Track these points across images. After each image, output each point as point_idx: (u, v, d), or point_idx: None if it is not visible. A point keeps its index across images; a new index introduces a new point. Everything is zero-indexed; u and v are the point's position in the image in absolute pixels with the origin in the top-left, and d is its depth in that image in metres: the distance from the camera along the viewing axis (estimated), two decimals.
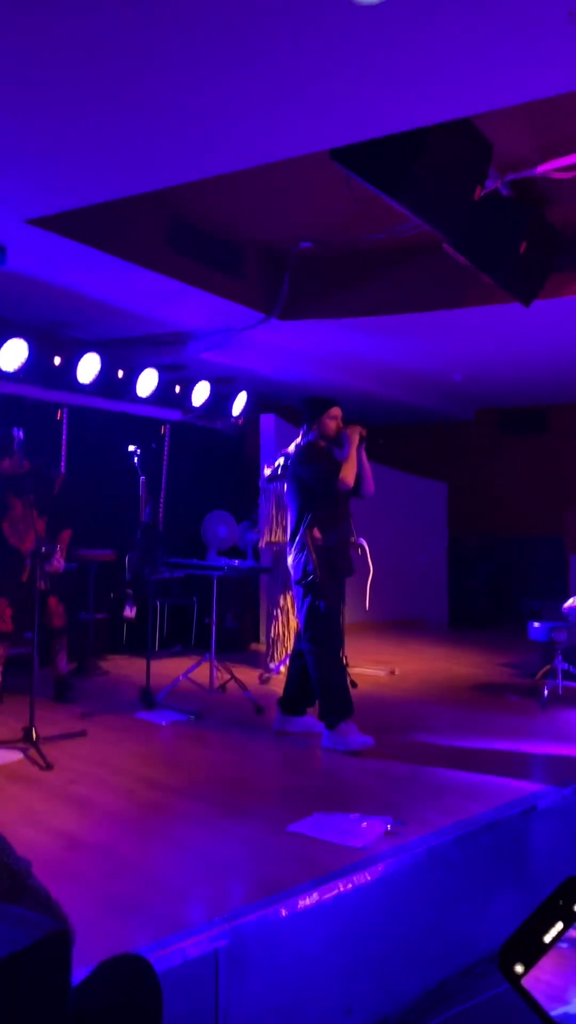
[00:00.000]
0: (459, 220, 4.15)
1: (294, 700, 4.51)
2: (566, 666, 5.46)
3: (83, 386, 6.36)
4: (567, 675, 5.51)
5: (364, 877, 2.68)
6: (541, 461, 10.04)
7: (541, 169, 4.49)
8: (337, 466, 4.38)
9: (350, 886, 2.62)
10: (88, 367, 6.27)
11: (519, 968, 0.73)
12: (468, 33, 2.75)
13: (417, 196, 3.82)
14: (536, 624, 5.53)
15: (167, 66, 3.00)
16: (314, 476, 4.39)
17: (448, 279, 5.78)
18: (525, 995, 0.72)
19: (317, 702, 4.41)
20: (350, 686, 5.81)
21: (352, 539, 4.48)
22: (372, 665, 6.50)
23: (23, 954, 0.57)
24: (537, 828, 3.39)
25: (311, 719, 4.46)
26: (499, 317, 6.07)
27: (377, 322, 6.30)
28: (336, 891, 2.58)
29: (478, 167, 4.00)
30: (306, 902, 2.50)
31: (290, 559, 4.43)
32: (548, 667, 5.53)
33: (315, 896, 2.52)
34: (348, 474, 4.35)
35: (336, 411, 4.57)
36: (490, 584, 9.86)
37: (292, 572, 4.44)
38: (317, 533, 4.32)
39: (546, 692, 5.34)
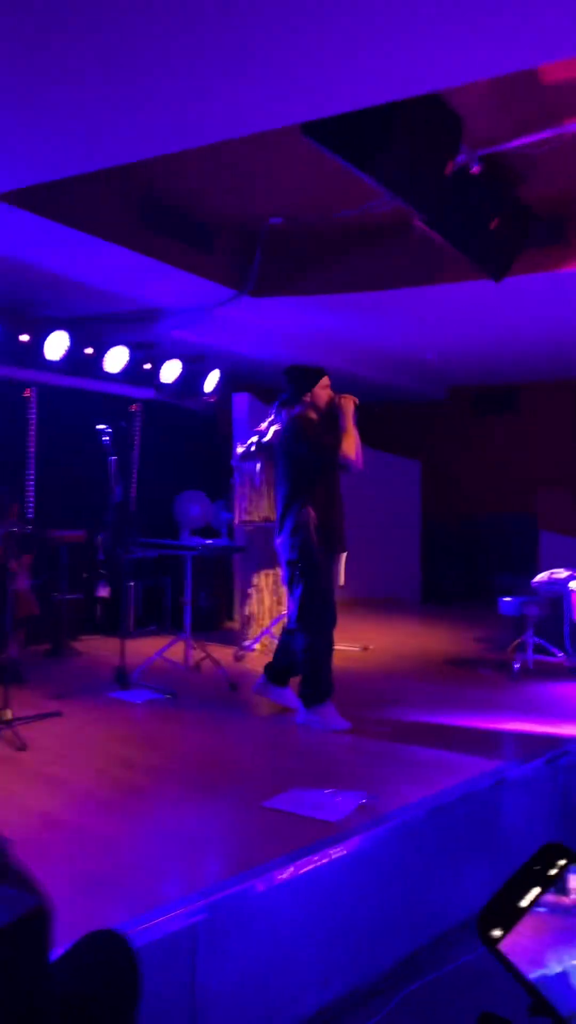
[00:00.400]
0: (431, 195, 4.14)
1: (281, 670, 4.43)
2: (537, 640, 5.53)
3: (52, 364, 6.29)
4: (538, 648, 5.59)
5: (339, 850, 2.71)
6: (513, 439, 10.11)
7: (511, 144, 4.48)
8: (333, 439, 4.21)
9: (325, 860, 2.65)
10: (56, 345, 6.20)
11: (497, 932, 0.75)
12: (437, 6, 2.73)
13: (389, 171, 3.80)
14: (507, 599, 5.60)
15: (132, 40, 2.95)
16: (313, 451, 4.21)
17: (420, 256, 5.77)
18: (502, 959, 0.73)
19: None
20: None
21: (308, 510, 4.27)
22: (346, 642, 6.53)
23: (2, 932, 0.57)
24: (507, 799, 3.44)
25: (291, 694, 4.41)
26: (471, 294, 6.08)
27: (349, 299, 6.29)
28: (312, 865, 2.61)
29: (449, 142, 3.99)
30: (282, 876, 2.52)
31: (278, 539, 4.30)
32: (519, 641, 5.61)
33: (291, 870, 2.55)
34: (350, 447, 4.17)
35: (326, 380, 4.39)
36: (463, 561, 9.95)
37: (281, 552, 4.29)
38: (312, 511, 4.18)
39: (517, 666, 5.41)
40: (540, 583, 6.03)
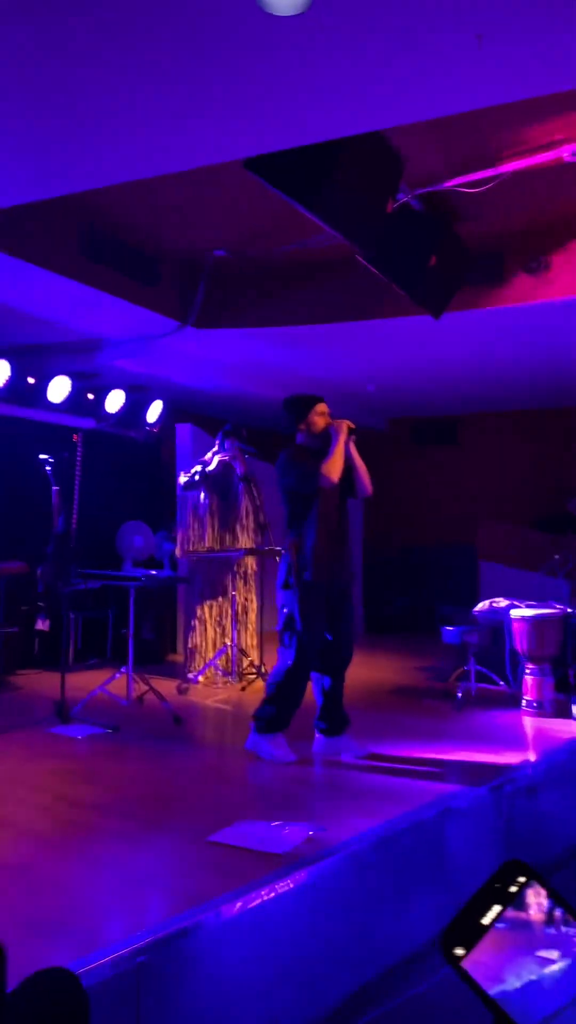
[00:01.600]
0: (371, 232, 4.23)
1: (326, 717, 4.31)
2: (479, 668, 5.59)
3: None
4: (480, 677, 5.65)
5: (286, 884, 2.67)
6: (453, 470, 10.29)
7: (450, 184, 4.62)
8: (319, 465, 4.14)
9: (273, 894, 2.61)
10: None
11: (460, 951, 0.75)
12: (381, 49, 2.81)
13: (330, 207, 3.88)
14: (449, 628, 5.66)
15: (78, 72, 2.97)
16: (300, 479, 4.15)
17: (361, 291, 5.88)
18: (465, 977, 0.74)
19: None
20: None
21: (296, 543, 4.20)
22: None
23: None
24: (453, 828, 3.45)
25: (348, 740, 4.28)
26: (411, 329, 6.21)
27: (292, 332, 6.36)
28: (258, 899, 2.57)
29: (390, 180, 4.10)
30: (228, 912, 2.47)
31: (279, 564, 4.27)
32: (461, 670, 5.66)
33: (238, 905, 2.50)
34: (331, 469, 4.10)
35: (323, 407, 4.30)
36: (405, 591, 10.04)
37: (277, 577, 4.25)
38: (306, 541, 4.12)
39: (460, 694, 5.46)
40: (481, 612, 6.11)
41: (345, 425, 4.19)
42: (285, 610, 4.17)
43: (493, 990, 0.71)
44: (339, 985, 2.80)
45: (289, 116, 3.31)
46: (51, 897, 2.58)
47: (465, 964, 0.73)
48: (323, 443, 4.22)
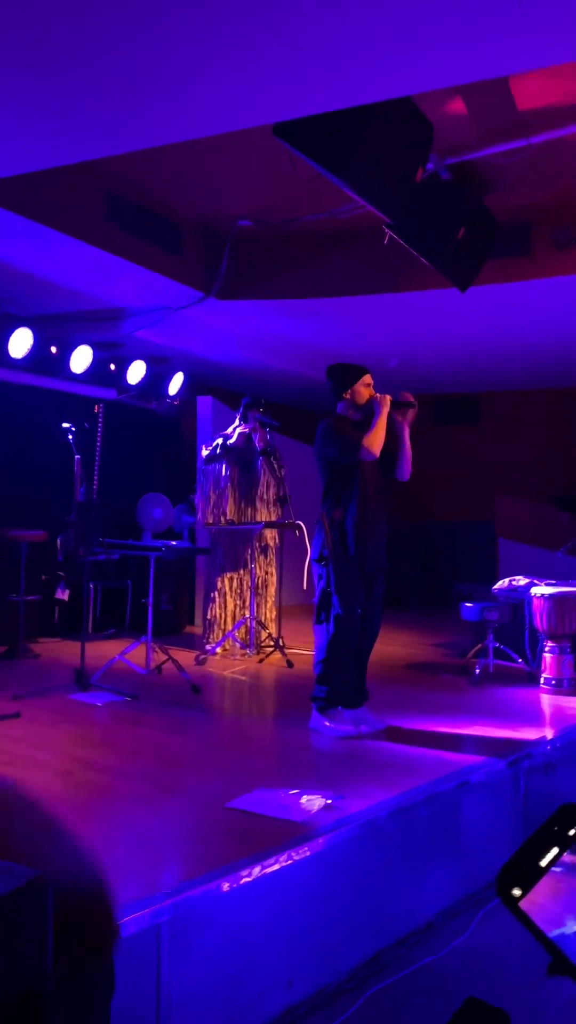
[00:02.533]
0: (400, 201, 4.17)
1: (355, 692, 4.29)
2: (497, 644, 5.58)
3: (15, 362, 6.20)
4: (498, 653, 5.64)
5: (304, 851, 2.69)
6: (473, 448, 10.23)
7: (481, 154, 4.55)
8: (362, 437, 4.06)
9: (290, 860, 2.63)
10: (20, 342, 6.12)
11: (516, 892, 0.75)
12: (414, 10, 2.75)
13: (359, 175, 3.83)
14: (469, 604, 5.64)
15: (105, 36, 2.93)
16: (342, 449, 4.07)
17: (386, 263, 5.82)
18: (523, 917, 0.73)
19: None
20: (286, 666, 5.86)
21: (336, 516, 4.13)
22: (309, 647, 6.53)
23: (3, 900, 0.55)
24: (470, 801, 3.46)
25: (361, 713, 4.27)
26: (435, 302, 6.15)
27: (315, 304, 6.31)
28: (277, 865, 2.59)
29: (420, 148, 4.03)
30: (247, 877, 2.50)
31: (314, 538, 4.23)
32: (479, 646, 5.65)
33: (256, 870, 2.53)
34: (374, 443, 4.01)
35: (369, 378, 4.22)
36: (420, 568, 10.02)
37: (311, 551, 4.21)
38: (339, 514, 4.08)
39: (478, 671, 5.45)
40: (500, 590, 6.09)
41: (388, 400, 4.12)
42: (321, 583, 4.14)
43: (551, 933, 0.71)
44: (354, 951, 2.82)
45: (318, 80, 3.25)
46: None
47: (522, 905, 0.73)
48: (363, 415, 4.18)
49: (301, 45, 2.99)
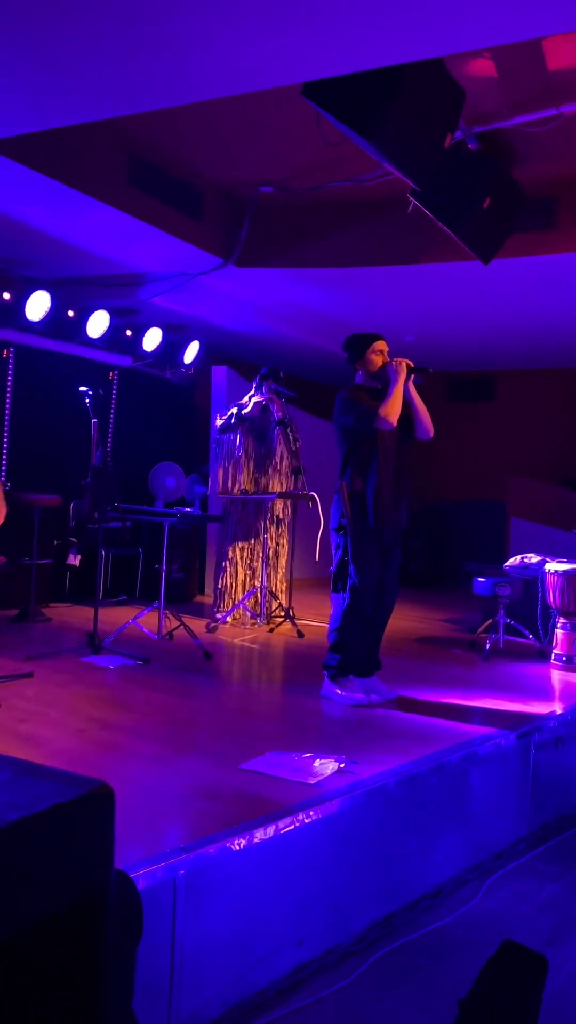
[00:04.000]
0: (427, 168, 4.11)
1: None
2: (508, 620, 5.58)
3: (32, 325, 6.17)
4: (508, 629, 5.64)
5: (316, 813, 2.70)
6: (486, 426, 10.17)
7: (510, 122, 4.48)
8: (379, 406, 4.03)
9: (303, 821, 2.65)
10: (37, 305, 6.09)
11: None
12: None
13: (387, 139, 3.76)
14: (481, 579, 5.63)
15: None
16: (359, 419, 4.04)
17: (408, 234, 5.76)
18: None
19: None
20: (296, 636, 5.88)
21: (356, 486, 4.11)
22: (319, 618, 6.55)
23: (71, 804, 0.55)
24: (480, 772, 3.47)
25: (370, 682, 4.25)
26: (456, 275, 6.09)
27: (334, 274, 6.26)
28: (290, 826, 2.60)
29: (450, 114, 3.96)
30: (261, 836, 2.51)
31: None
32: (490, 621, 5.65)
33: (270, 830, 2.54)
34: (390, 411, 3.98)
35: (381, 344, 4.19)
36: (430, 546, 10.01)
37: (326, 520, 4.18)
38: (357, 483, 4.06)
39: (488, 645, 5.46)
40: (512, 567, 6.08)
41: (404, 364, 4.08)
42: (339, 552, 4.13)
43: None
44: (364, 913, 2.85)
45: (349, 39, 3.19)
46: None
47: None
48: (381, 382, 4.15)
49: (332, 3, 2.93)
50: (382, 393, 4.13)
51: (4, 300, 5.91)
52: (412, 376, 4.12)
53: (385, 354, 4.20)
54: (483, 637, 5.64)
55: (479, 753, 3.46)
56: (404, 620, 6.87)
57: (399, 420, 4.09)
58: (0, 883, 0.50)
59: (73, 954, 0.54)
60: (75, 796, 0.58)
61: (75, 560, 6.97)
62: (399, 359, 4.11)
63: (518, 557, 6.25)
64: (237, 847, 2.43)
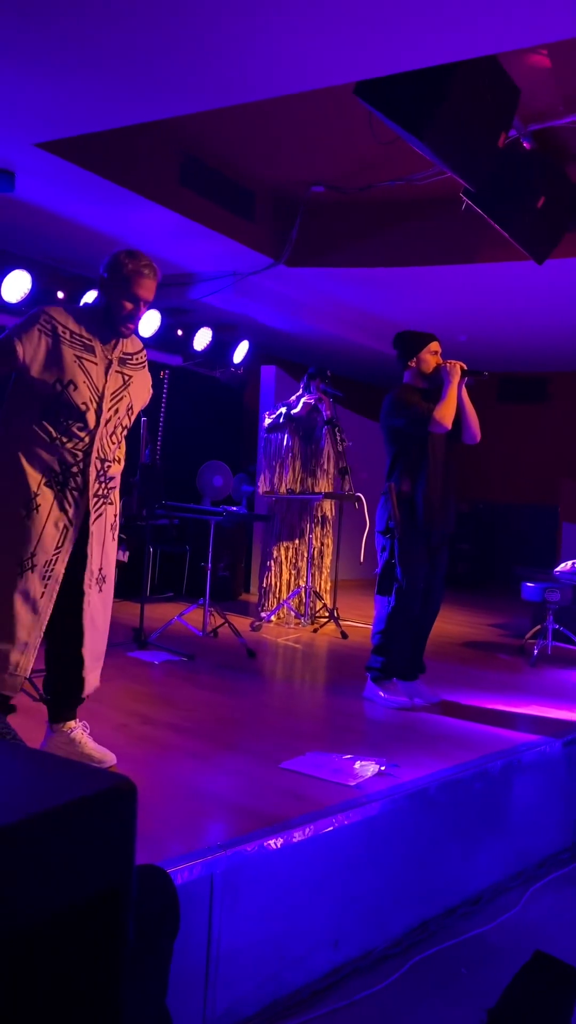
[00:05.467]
0: (481, 167, 4.06)
1: (412, 665, 4.28)
2: (557, 626, 5.49)
3: None
4: (557, 635, 5.55)
5: (356, 815, 2.69)
6: (539, 429, 10.02)
7: (566, 120, 4.40)
8: (431, 408, 3.98)
9: (343, 823, 2.64)
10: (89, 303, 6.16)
11: None
12: None
13: (441, 138, 3.72)
14: (530, 584, 5.56)
15: None
16: (411, 421, 3.99)
17: (460, 233, 5.70)
18: None
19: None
20: (340, 637, 5.87)
21: (404, 489, 4.06)
22: (363, 619, 6.53)
23: (93, 798, 0.56)
24: (522, 779, 3.42)
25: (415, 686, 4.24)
26: (510, 275, 6.02)
27: (386, 274, 6.23)
28: (329, 827, 2.60)
29: (504, 112, 3.91)
30: (299, 836, 2.51)
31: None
32: (539, 627, 5.57)
33: (308, 830, 2.54)
34: (444, 414, 3.92)
35: (436, 345, 4.14)
36: (478, 549, 9.90)
37: (372, 522, 4.17)
38: (406, 483, 4.03)
39: (536, 651, 5.37)
40: (563, 572, 5.98)
41: (458, 366, 4.03)
42: (384, 554, 4.12)
43: None
44: (401, 917, 2.83)
45: (402, 37, 3.17)
46: None
47: None
48: (430, 383, 4.11)
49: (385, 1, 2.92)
50: (431, 394, 4.08)
51: (59, 299, 6.00)
52: (465, 379, 4.08)
53: (439, 355, 4.15)
54: (531, 643, 5.56)
55: (523, 760, 3.41)
56: (450, 624, 6.81)
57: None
58: (19, 874, 0.51)
59: (90, 948, 0.55)
60: (98, 790, 0.59)
61: (123, 556, 7.03)
62: (453, 361, 4.06)
63: (569, 562, 6.14)
64: (275, 846, 2.43)
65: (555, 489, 9.33)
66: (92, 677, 2.96)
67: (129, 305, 2.82)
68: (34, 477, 2.74)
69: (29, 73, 3.55)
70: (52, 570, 2.79)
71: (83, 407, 2.78)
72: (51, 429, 2.76)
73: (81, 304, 2.99)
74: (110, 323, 2.84)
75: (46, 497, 2.76)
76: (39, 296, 5.74)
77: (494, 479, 10.14)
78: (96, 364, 2.81)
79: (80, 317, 2.85)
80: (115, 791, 0.61)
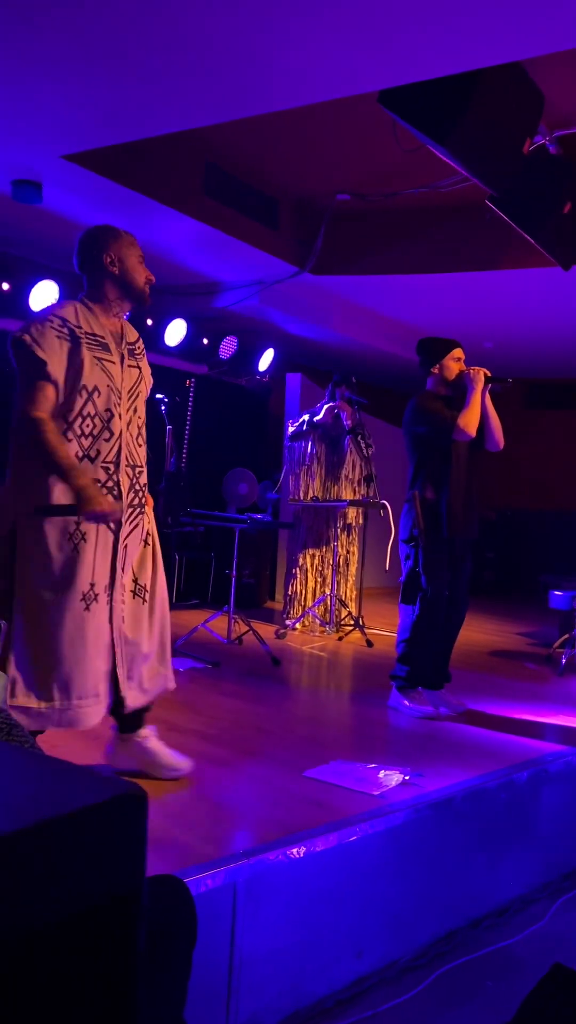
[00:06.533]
0: (506, 174, 4.05)
1: (437, 673, 4.27)
2: None
3: None
4: None
5: (380, 824, 2.68)
6: (566, 435, 9.94)
7: None
8: (455, 415, 3.97)
9: (366, 832, 2.63)
10: None
11: None
12: None
13: (465, 145, 3.72)
14: (558, 592, 5.50)
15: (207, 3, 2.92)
16: (434, 429, 3.98)
17: (485, 240, 5.68)
18: None
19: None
20: (366, 645, 5.85)
21: (428, 496, 4.05)
22: (389, 627, 6.50)
23: (103, 805, 0.56)
24: (549, 790, 3.38)
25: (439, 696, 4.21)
26: (536, 281, 5.98)
27: (411, 281, 6.21)
28: (352, 836, 2.59)
29: (529, 118, 3.89)
30: (323, 844, 2.50)
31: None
32: (566, 636, 5.51)
33: (332, 839, 2.53)
34: (469, 421, 3.91)
35: (459, 352, 4.12)
36: (505, 556, 9.83)
37: (396, 530, 4.17)
38: (429, 493, 4.01)
39: (564, 660, 5.32)
40: None
41: (482, 374, 4.00)
42: (408, 563, 4.10)
43: None
44: (425, 928, 2.80)
45: (425, 45, 3.17)
46: (151, 812, 2.65)
47: None
48: (453, 390, 4.09)
49: (406, 7, 2.92)
50: (454, 401, 4.07)
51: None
52: (489, 386, 4.06)
53: (463, 362, 4.13)
54: (559, 652, 5.50)
55: (550, 771, 3.37)
56: (476, 632, 6.76)
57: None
58: (25, 882, 0.51)
59: (99, 958, 0.55)
60: (109, 797, 0.59)
61: None
62: (476, 368, 4.04)
63: None
64: (298, 855, 2.43)
65: None
66: (132, 696, 2.78)
67: (143, 269, 2.69)
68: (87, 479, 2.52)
69: (55, 85, 3.59)
70: (99, 593, 2.64)
71: (107, 414, 2.60)
72: (78, 445, 2.56)
73: (64, 302, 2.74)
74: (115, 309, 2.68)
75: (89, 524, 2.56)
76: None
77: (521, 486, 10.06)
78: (114, 363, 2.64)
79: (88, 313, 2.63)
80: (125, 798, 0.61)
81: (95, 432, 2.60)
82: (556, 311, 6.90)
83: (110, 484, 2.63)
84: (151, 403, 5.85)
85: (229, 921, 2.22)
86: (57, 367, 2.53)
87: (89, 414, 2.59)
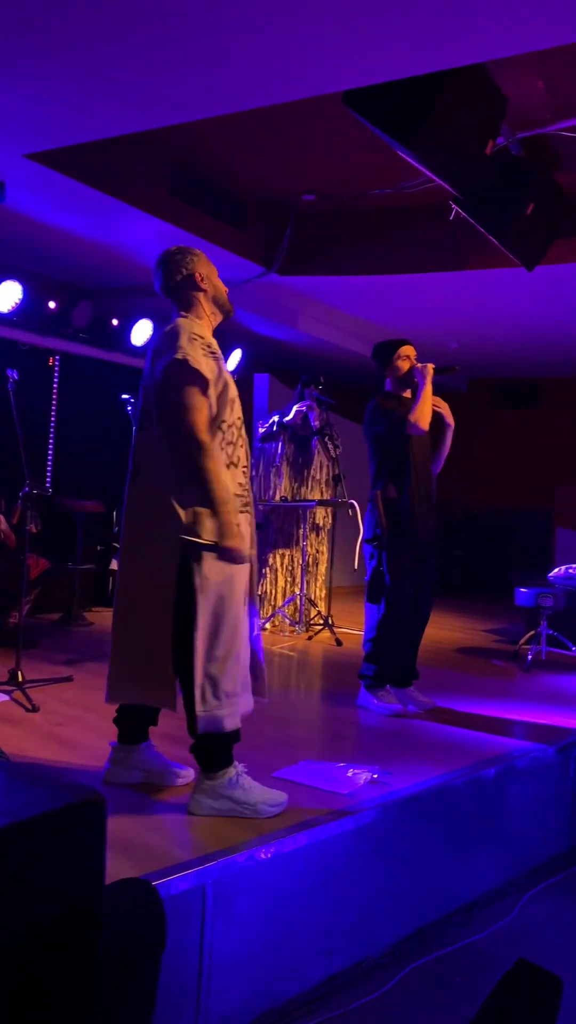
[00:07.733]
0: (469, 175, 4.08)
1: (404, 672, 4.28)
2: (551, 631, 5.49)
3: (76, 333, 6.27)
4: (551, 640, 5.55)
5: (349, 823, 2.69)
6: (532, 434, 10.05)
7: (553, 128, 4.43)
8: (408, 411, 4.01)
9: (336, 831, 2.64)
10: (82, 314, 6.18)
11: None
12: None
13: (428, 147, 3.74)
14: (523, 589, 5.56)
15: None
16: (389, 426, 4.02)
17: (451, 242, 5.72)
18: None
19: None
20: (335, 644, 5.86)
21: (390, 495, 4.08)
22: (358, 627, 6.52)
23: (61, 812, 0.55)
24: (517, 786, 3.42)
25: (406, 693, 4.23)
26: (500, 282, 6.03)
27: (378, 282, 6.24)
28: (321, 835, 2.59)
29: (492, 120, 3.93)
30: (292, 845, 2.51)
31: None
32: (532, 633, 5.57)
33: (301, 839, 2.53)
34: (420, 416, 3.95)
35: (407, 349, 4.16)
36: (471, 554, 9.91)
37: (363, 530, 4.21)
38: (391, 489, 4.04)
39: (530, 657, 5.37)
40: (556, 577, 5.99)
41: (430, 368, 4.06)
42: (372, 562, 4.12)
43: None
44: (394, 926, 2.82)
45: (388, 46, 3.19)
46: (118, 817, 2.64)
47: None
48: (413, 389, 4.13)
49: (370, 8, 2.93)
50: (407, 396, 4.11)
51: (50, 309, 6.01)
52: (439, 375, 4.11)
53: (412, 359, 4.17)
54: (525, 648, 5.56)
55: (517, 766, 3.41)
56: (444, 630, 6.81)
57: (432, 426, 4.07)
58: None
59: (60, 965, 0.55)
60: (66, 803, 0.59)
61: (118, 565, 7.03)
62: (425, 363, 4.10)
63: (563, 567, 6.15)
64: (267, 856, 2.43)
65: (548, 494, 9.36)
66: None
67: (220, 282, 2.83)
68: (234, 512, 2.62)
69: (18, 84, 3.56)
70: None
71: (239, 421, 2.74)
72: (225, 455, 2.66)
73: (179, 321, 2.77)
74: (212, 322, 2.81)
75: (243, 528, 2.67)
76: (30, 306, 5.75)
77: (487, 484, 10.16)
78: (228, 372, 2.75)
79: (203, 329, 2.73)
80: (82, 805, 0.61)
81: (234, 440, 2.72)
82: (521, 312, 6.98)
83: (247, 486, 2.77)
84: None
85: (199, 923, 2.22)
86: (212, 385, 2.62)
87: (234, 424, 2.71)
